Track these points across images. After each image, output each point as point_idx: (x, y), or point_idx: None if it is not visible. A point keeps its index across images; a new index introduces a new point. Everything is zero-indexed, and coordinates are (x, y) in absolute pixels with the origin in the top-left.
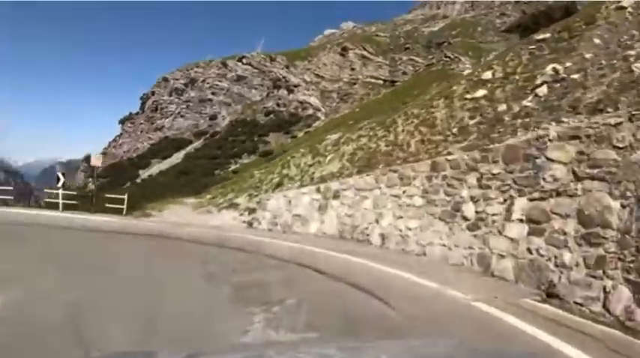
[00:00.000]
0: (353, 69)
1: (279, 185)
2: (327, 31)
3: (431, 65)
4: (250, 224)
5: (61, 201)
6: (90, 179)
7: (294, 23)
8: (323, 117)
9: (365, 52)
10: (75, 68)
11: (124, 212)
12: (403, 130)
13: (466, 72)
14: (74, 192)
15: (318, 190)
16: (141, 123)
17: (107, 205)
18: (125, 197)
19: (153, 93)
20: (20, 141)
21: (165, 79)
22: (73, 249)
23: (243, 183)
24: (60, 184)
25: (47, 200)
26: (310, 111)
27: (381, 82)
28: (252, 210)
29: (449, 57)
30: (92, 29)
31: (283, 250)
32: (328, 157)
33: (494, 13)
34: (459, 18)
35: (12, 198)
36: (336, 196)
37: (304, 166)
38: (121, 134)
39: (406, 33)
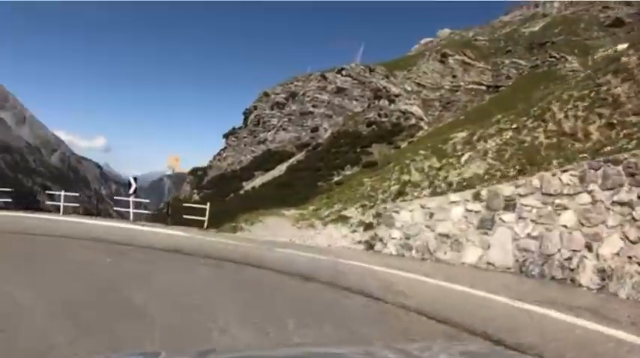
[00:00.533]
0: (454, 76)
1: (400, 194)
2: (424, 40)
3: (535, 67)
4: (370, 245)
5: (132, 211)
6: (195, 191)
7: (389, 34)
8: (426, 127)
9: (465, 58)
10: (184, 85)
11: (205, 225)
12: (566, 116)
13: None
14: (146, 200)
15: (477, 197)
16: (244, 137)
17: (186, 216)
18: (207, 207)
19: (255, 107)
20: (131, 155)
21: (267, 94)
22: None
23: (351, 193)
24: (132, 190)
25: (117, 208)
26: (413, 121)
27: (484, 87)
28: (368, 226)
29: (554, 57)
30: (197, 48)
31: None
32: (464, 158)
33: (596, 7)
34: (559, 15)
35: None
36: (508, 206)
37: (429, 170)
38: (225, 148)
39: (506, 35)
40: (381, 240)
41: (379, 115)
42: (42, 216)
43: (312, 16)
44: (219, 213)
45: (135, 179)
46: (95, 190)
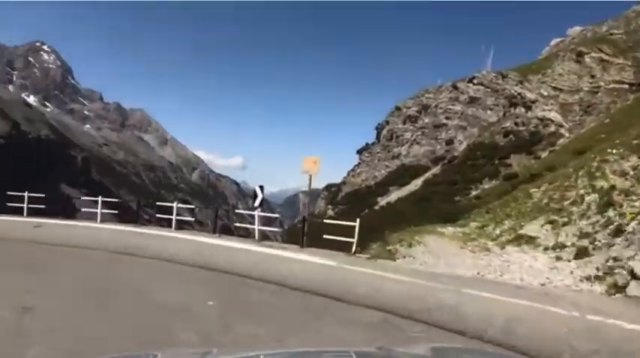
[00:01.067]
0: (592, 76)
1: (609, 204)
2: (554, 41)
3: None
4: (616, 285)
5: (257, 228)
6: (329, 206)
7: (516, 36)
8: (567, 134)
9: (603, 55)
10: (316, 104)
11: (353, 248)
12: None
13: None
14: (276, 215)
15: None
16: (377, 153)
17: (327, 236)
18: (356, 225)
19: (387, 122)
20: (266, 173)
21: (398, 108)
22: None
23: (519, 206)
24: (257, 202)
25: (238, 224)
26: (552, 128)
27: (626, 86)
28: (581, 252)
29: None
30: (328, 68)
31: None
32: None
33: None
34: None
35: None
36: None
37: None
38: (359, 163)
39: None
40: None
41: (516, 124)
42: (151, 231)
43: (435, 24)
44: (360, 230)
45: (261, 188)
46: (232, 205)
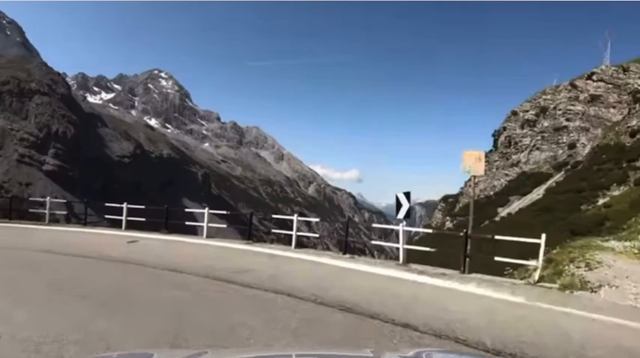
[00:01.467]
0: None
1: None
2: None
3: None
4: None
5: (402, 246)
6: (447, 218)
7: (637, 25)
8: None
9: None
10: (426, 112)
11: (536, 275)
12: None
13: None
14: (429, 230)
15: None
16: (495, 161)
17: (499, 258)
18: (541, 242)
19: (504, 128)
20: (380, 185)
21: (515, 113)
22: None
23: None
24: (402, 213)
25: (378, 242)
26: None
27: None
28: None
29: None
30: (439, 70)
31: None
32: None
33: None
34: None
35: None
36: None
37: None
38: None
39: None
40: None
41: None
42: (269, 250)
43: (543, 17)
44: (487, 245)
45: (407, 195)
46: (349, 218)
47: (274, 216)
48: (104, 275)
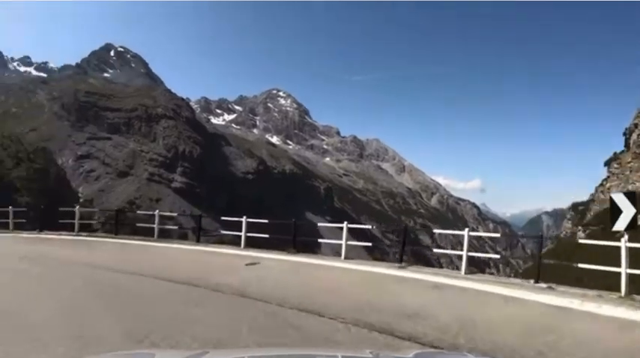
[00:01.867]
0: None
1: None
2: None
3: None
4: None
5: (624, 271)
6: (578, 228)
7: None
8: None
9: None
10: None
11: None
12: None
13: None
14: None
15: None
16: (628, 162)
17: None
18: None
19: (636, 125)
20: (504, 194)
21: None
22: None
23: None
24: (624, 224)
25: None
26: None
27: None
28: None
29: None
30: (560, 71)
31: None
32: None
33: None
34: None
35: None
36: None
37: None
38: (608, 177)
39: None
40: None
41: None
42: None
43: None
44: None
45: (630, 197)
46: (473, 229)
47: (435, 230)
48: (205, 317)
